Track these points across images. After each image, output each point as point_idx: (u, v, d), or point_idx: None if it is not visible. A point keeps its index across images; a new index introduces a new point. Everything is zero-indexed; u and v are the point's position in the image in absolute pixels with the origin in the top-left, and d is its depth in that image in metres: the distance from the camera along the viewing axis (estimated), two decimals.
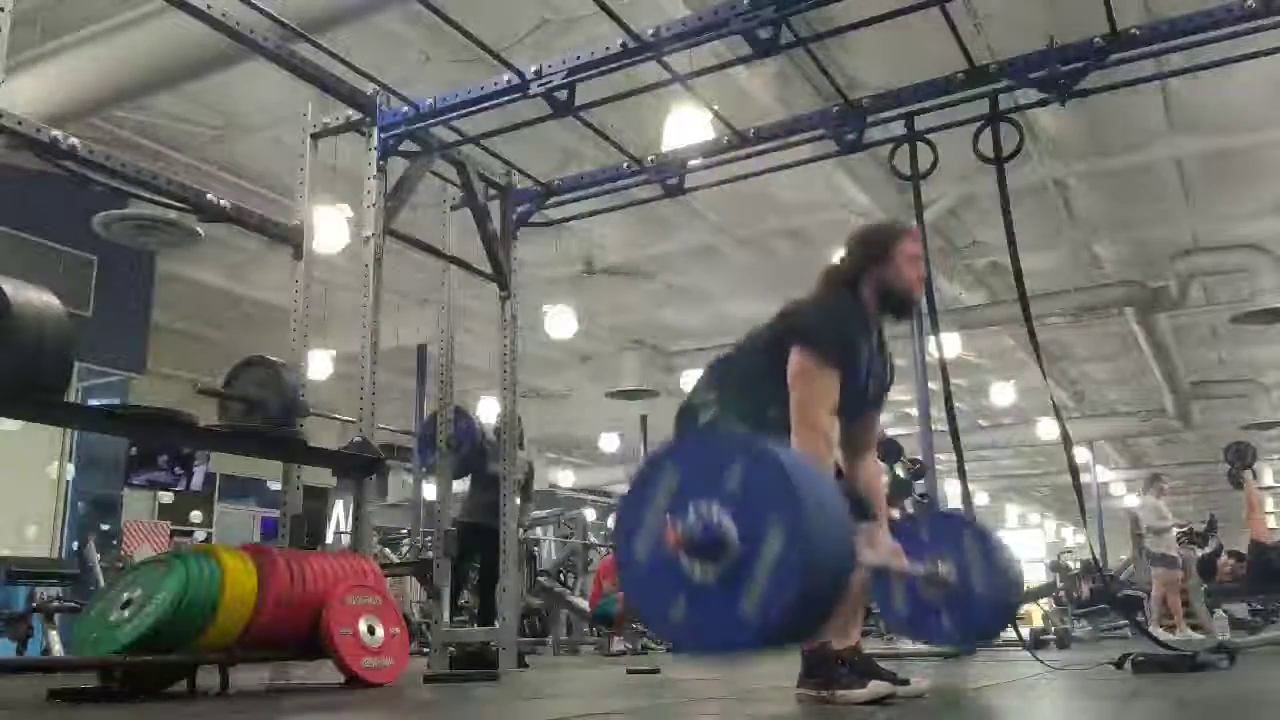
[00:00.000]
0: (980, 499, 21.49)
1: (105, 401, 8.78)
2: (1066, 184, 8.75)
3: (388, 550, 10.90)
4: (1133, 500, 11.38)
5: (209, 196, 4.65)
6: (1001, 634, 3.35)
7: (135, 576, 3.58)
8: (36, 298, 3.15)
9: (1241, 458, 8.64)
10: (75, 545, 8.25)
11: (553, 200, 5.83)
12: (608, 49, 4.43)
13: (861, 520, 2.75)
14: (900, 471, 8.55)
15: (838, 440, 2.72)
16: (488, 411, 10.49)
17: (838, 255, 2.99)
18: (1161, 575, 9.40)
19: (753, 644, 2.07)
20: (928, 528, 3.26)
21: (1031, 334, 4.47)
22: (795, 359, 2.66)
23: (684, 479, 2.17)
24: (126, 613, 3.38)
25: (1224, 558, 9.21)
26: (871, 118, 4.87)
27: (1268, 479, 21.13)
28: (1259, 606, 9.31)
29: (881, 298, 2.87)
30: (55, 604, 6.52)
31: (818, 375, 2.64)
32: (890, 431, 9.93)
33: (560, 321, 10.47)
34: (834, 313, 2.80)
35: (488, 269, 5.54)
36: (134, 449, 10.77)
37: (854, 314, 2.83)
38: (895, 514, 7.30)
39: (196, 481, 12.26)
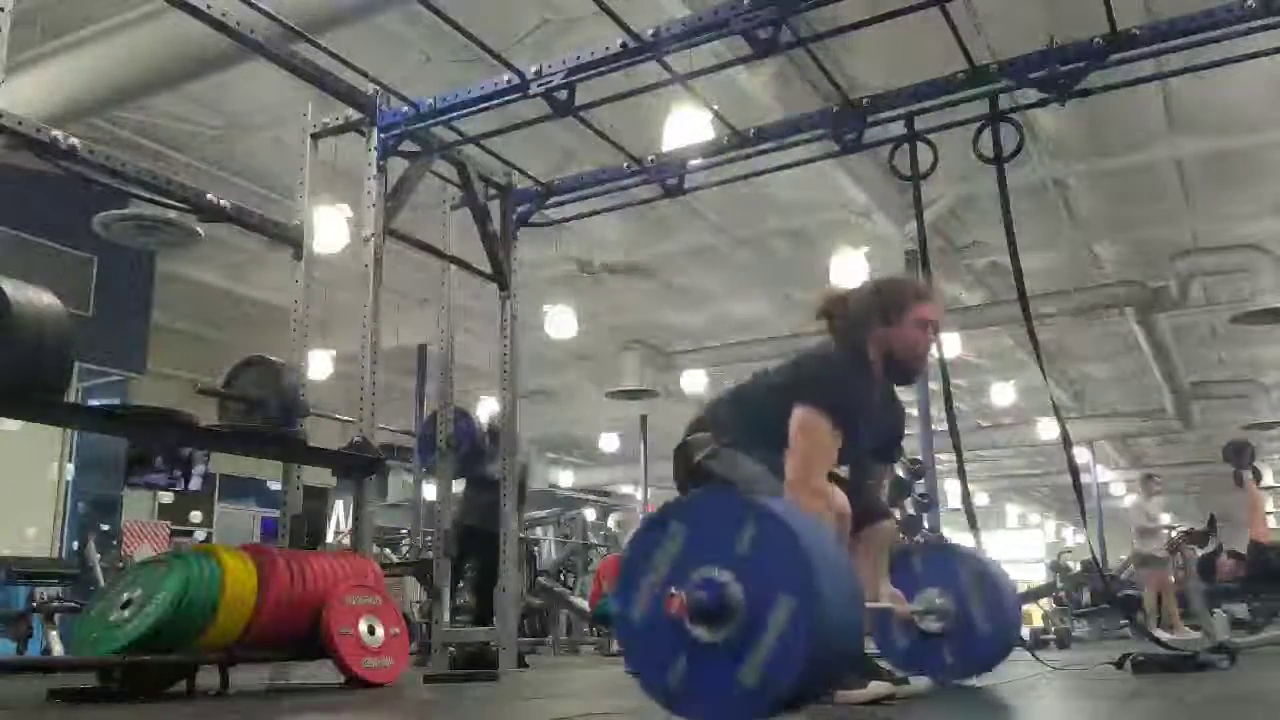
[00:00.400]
0: (980, 499, 21.49)
1: (105, 401, 8.77)
2: (1066, 184, 8.76)
3: (388, 550, 10.90)
4: (1132, 500, 11.39)
5: (209, 196, 4.64)
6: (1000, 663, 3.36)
7: (135, 576, 3.58)
8: (36, 298, 3.15)
9: (1240, 456, 8.60)
10: (75, 545, 8.25)
11: (553, 200, 5.82)
12: (608, 49, 4.43)
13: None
14: (900, 471, 8.54)
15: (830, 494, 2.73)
16: (487, 411, 10.49)
17: (852, 295, 2.91)
18: (1151, 577, 9.42)
19: (754, 711, 1.98)
20: (927, 562, 3.27)
21: (1031, 334, 4.47)
22: (799, 414, 2.67)
23: (689, 539, 2.10)
24: (126, 613, 3.38)
25: (1224, 558, 9.20)
26: (871, 118, 4.86)
27: (1268, 479, 21.15)
28: (1258, 605, 9.30)
29: (885, 362, 2.85)
30: (55, 604, 6.52)
31: (820, 434, 2.65)
32: None
33: (560, 321, 10.48)
34: (840, 374, 2.78)
35: (488, 269, 5.54)
36: (134, 448, 10.75)
37: (859, 374, 2.82)
38: (895, 514, 7.30)
39: (194, 482, 12.26)
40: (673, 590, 2.01)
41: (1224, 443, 9.27)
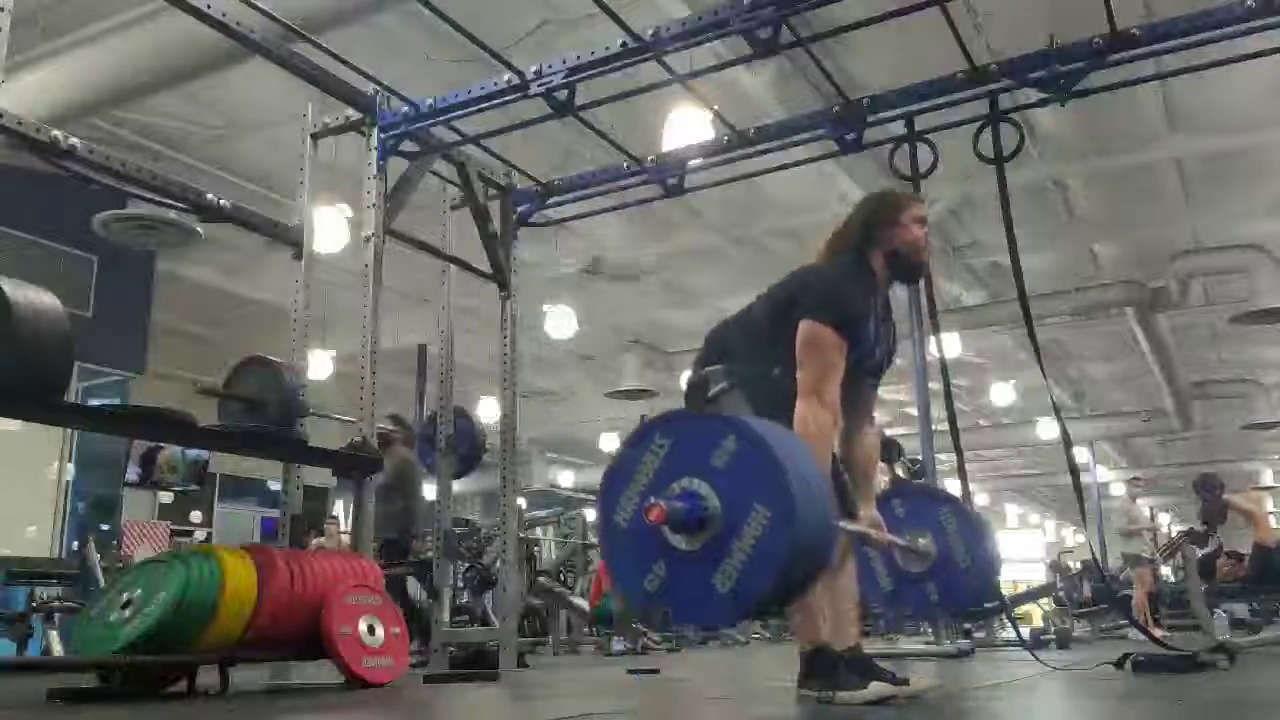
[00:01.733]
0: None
1: (105, 401, 8.78)
2: (1066, 184, 8.76)
3: None
4: (1136, 503, 11.44)
5: (209, 196, 4.64)
6: (983, 605, 3.38)
7: (135, 576, 3.58)
8: (36, 298, 3.15)
9: (1210, 488, 8.62)
10: (75, 545, 8.25)
11: (553, 200, 5.82)
12: (608, 49, 4.43)
13: (848, 509, 2.78)
14: (900, 471, 8.54)
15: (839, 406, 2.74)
16: (488, 411, 10.50)
17: (841, 232, 2.97)
18: (1137, 574, 9.45)
19: (726, 617, 2.13)
20: (908, 503, 3.30)
21: (1031, 334, 4.47)
22: (804, 329, 2.68)
23: (671, 452, 2.21)
24: (126, 613, 3.38)
25: (1224, 558, 9.21)
26: (871, 118, 4.86)
27: (1268, 479, 21.16)
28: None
29: (891, 263, 2.88)
30: (55, 604, 6.52)
31: (826, 347, 2.66)
32: (890, 431, 9.93)
33: (560, 321, 10.47)
34: (843, 281, 2.80)
35: (488, 269, 5.54)
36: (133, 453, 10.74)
37: (862, 282, 2.83)
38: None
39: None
40: (652, 499, 2.11)
41: (1224, 443, 9.28)
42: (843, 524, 2.58)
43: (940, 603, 3.22)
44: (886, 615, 7.94)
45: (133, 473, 9.57)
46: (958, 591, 3.18)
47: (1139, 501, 10.20)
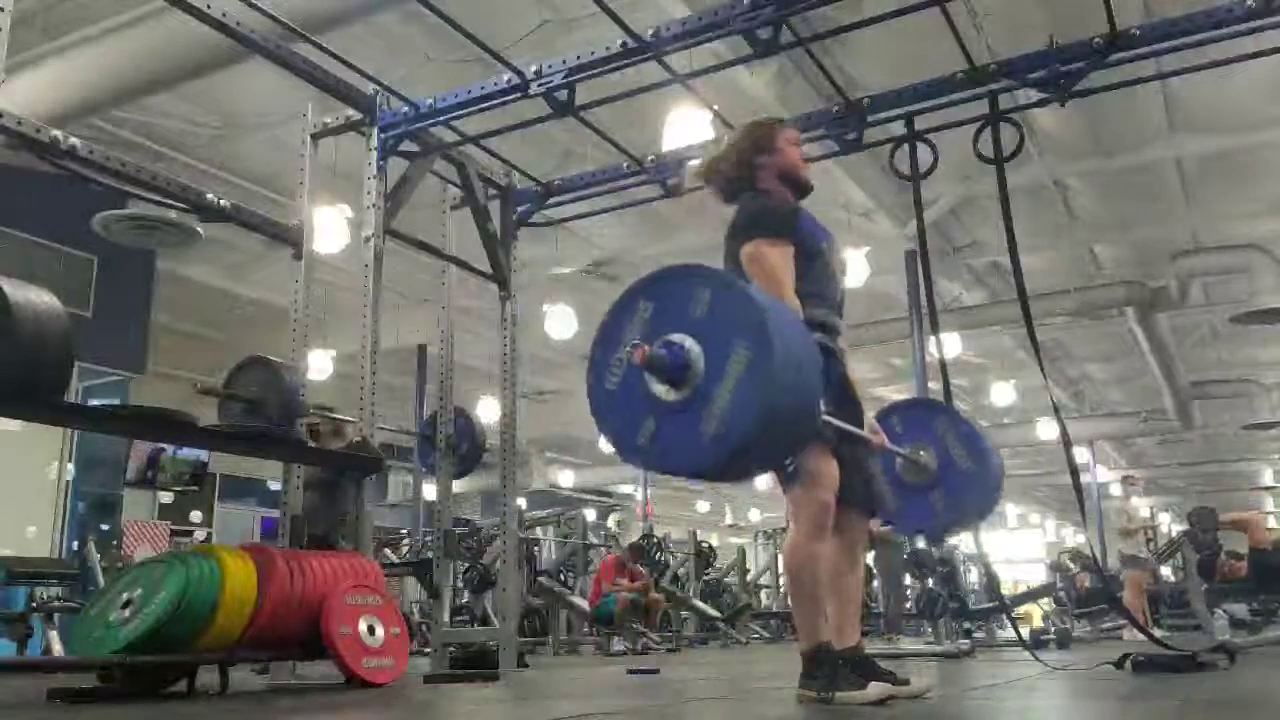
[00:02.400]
0: None
1: (105, 401, 8.77)
2: (1066, 184, 8.76)
3: (388, 550, 10.90)
4: (1132, 501, 11.44)
5: (209, 196, 4.65)
6: (988, 515, 3.37)
7: (135, 576, 3.58)
8: (36, 298, 3.15)
9: (1203, 522, 8.67)
10: (75, 545, 8.25)
11: (553, 200, 5.83)
12: (608, 49, 4.43)
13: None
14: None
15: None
16: (488, 411, 10.50)
17: (718, 159, 3.01)
18: (1130, 576, 9.46)
19: (716, 461, 2.19)
20: (906, 418, 3.32)
21: (1031, 334, 4.47)
22: (745, 251, 2.72)
23: (655, 310, 2.29)
24: (126, 613, 3.38)
25: (1224, 558, 9.21)
26: (871, 118, 4.87)
27: (1268, 479, 21.16)
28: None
29: (783, 182, 2.93)
30: (55, 604, 6.52)
31: (768, 252, 2.70)
32: None
33: (560, 321, 10.47)
34: (752, 203, 2.86)
35: (488, 269, 5.55)
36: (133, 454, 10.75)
37: (768, 196, 2.88)
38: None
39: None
40: (636, 341, 2.22)
41: (1224, 443, 9.30)
42: (835, 421, 2.59)
43: (946, 512, 3.22)
44: (917, 602, 7.92)
45: (133, 471, 9.59)
46: (964, 499, 3.19)
47: (1134, 500, 10.20)
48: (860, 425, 2.80)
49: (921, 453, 3.17)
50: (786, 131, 3.03)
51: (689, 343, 2.20)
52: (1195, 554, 8.69)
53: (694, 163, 3.12)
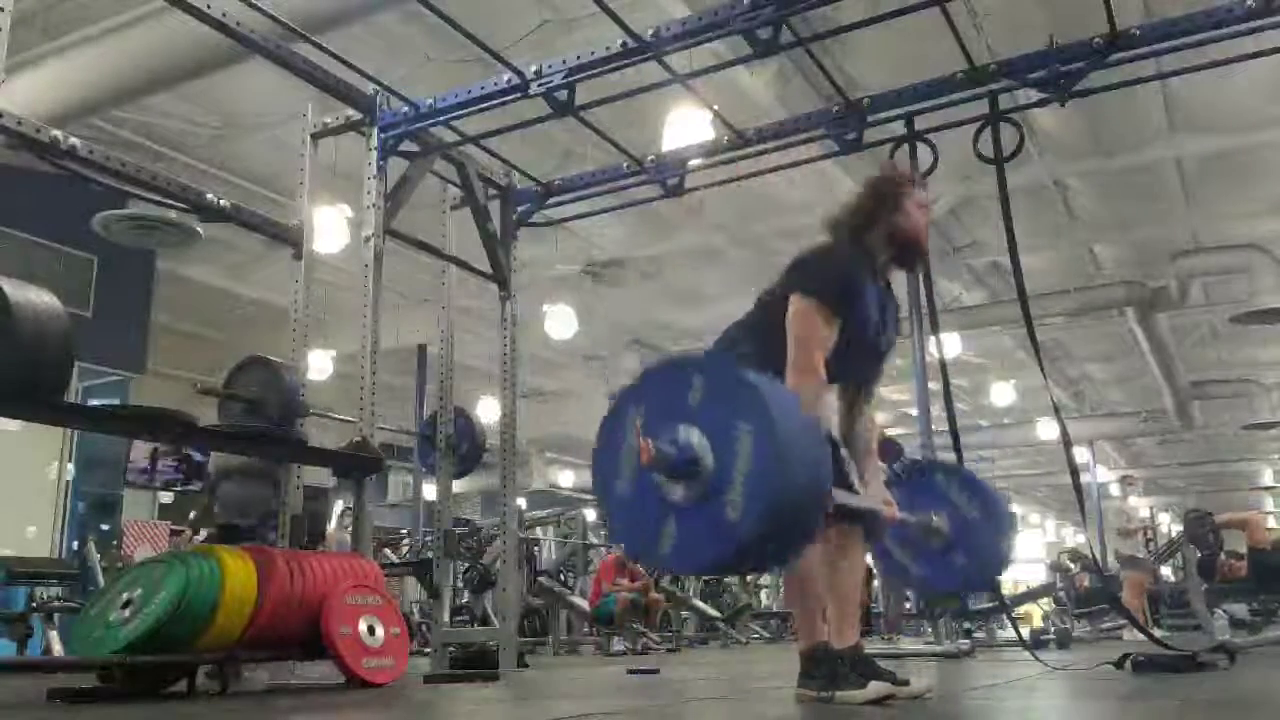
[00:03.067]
0: None
1: (105, 401, 8.77)
2: (1066, 184, 8.75)
3: (388, 550, 10.90)
4: (1132, 501, 11.45)
5: (209, 196, 4.64)
6: (1009, 561, 3.38)
7: (135, 576, 3.58)
8: (36, 298, 3.15)
9: (1203, 525, 8.65)
10: (75, 545, 8.24)
11: (553, 200, 5.83)
12: (608, 49, 4.43)
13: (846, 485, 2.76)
14: (901, 472, 8.53)
15: (836, 394, 2.75)
16: (488, 411, 10.49)
17: (843, 204, 2.97)
18: (1130, 577, 9.45)
19: (742, 546, 2.13)
20: (922, 480, 3.31)
21: (1031, 334, 4.47)
22: (792, 303, 2.69)
23: (649, 409, 2.25)
24: (126, 613, 3.38)
25: (1223, 557, 9.21)
26: (871, 118, 4.87)
27: (1268, 479, 21.14)
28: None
29: (891, 246, 2.88)
30: (55, 604, 6.52)
31: (813, 317, 2.66)
32: (890, 431, 9.93)
33: (560, 321, 10.47)
34: (835, 259, 2.81)
35: (488, 269, 5.54)
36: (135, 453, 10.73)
37: (857, 260, 2.83)
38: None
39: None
40: (643, 439, 2.17)
41: (1224, 443, 9.29)
42: (842, 497, 2.54)
43: (971, 566, 3.20)
44: (917, 602, 7.95)
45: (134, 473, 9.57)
46: (983, 550, 3.18)
47: (1132, 500, 10.21)
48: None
49: (934, 518, 3.13)
50: (917, 193, 2.94)
51: (691, 432, 2.15)
52: (1195, 554, 8.70)
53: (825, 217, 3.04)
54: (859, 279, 2.78)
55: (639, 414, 2.25)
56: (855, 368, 2.84)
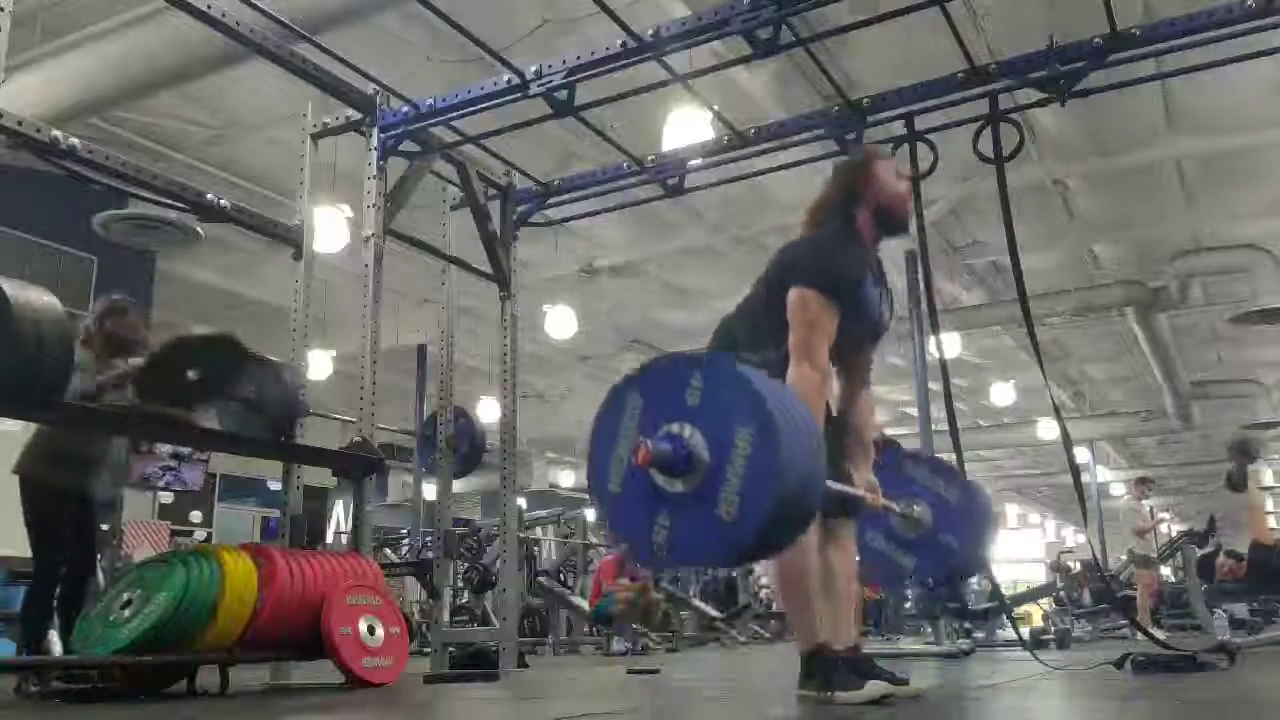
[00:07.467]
0: None
1: None
2: (1066, 184, 8.75)
3: (388, 550, 10.90)
4: (1126, 502, 11.47)
5: (209, 196, 4.65)
6: (976, 574, 3.43)
7: (135, 576, 3.58)
8: (36, 298, 3.15)
9: (1246, 452, 8.52)
10: None
11: (553, 200, 5.83)
12: (608, 49, 4.43)
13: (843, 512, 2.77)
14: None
15: (835, 375, 2.75)
16: (488, 411, 10.49)
17: (820, 204, 2.97)
18: (1142, 576, 9.45)
19: (737, 546, 2.14)
20: (903, 470, 3.33)
21: (1031, 334, 4.47)
22: (793, 295, 2.68)
23: (646, 406, 2.24)
24: (126, 613, 3.38)
25: (1223, 557, 9.20)
26: (871, 118, 4.87)
27: (1268, 479, 21.14)
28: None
29: (877, 219, 2.88)
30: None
31: (817, 311, 2.66)
32: (890, 431, 9.94)
33: (560, 321, 10.47)
34: (831, 246, 2.80)
35: (488, 269, 5.55)
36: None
37: (852, 243, 2.83)
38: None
39: (195, 481, 12.24)
40: (639, 440, 2.16)
41: (1226, 441, 9.23)
42: (834, 485, 2.56)
43: (960, 548, 3.24)
44: (917, 602, 7.96)
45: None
46: (967, 528, 3.23)
47: (1142, 502, 10.21)
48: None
49: (915, 507, 3.18)
50: (888, 161, 2.96)
51: (689, 431, 2.15)
52: (1195, 554, 8.69)
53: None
54: (858, 265, 2.79)
55: (636, 409, 2.25)
56: (855, 351, 2.85)
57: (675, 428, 2.15)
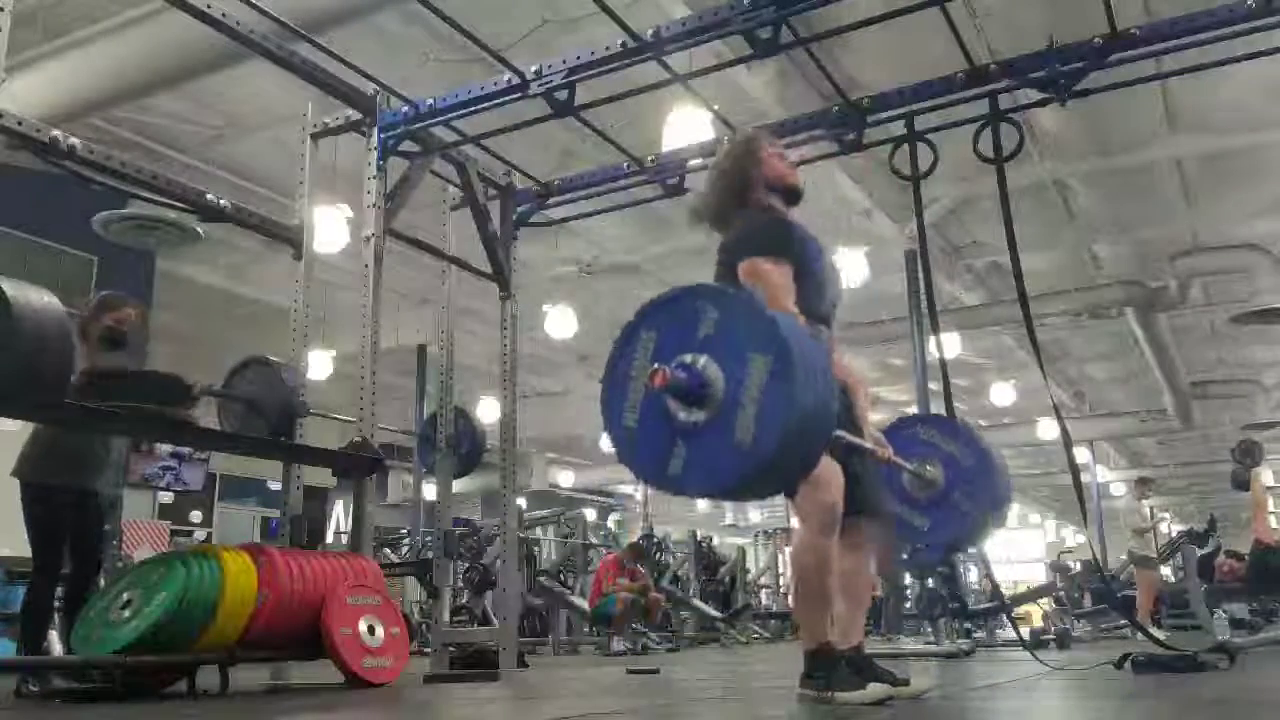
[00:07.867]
0: None
1: None
2: (1066, 184, 8.75)
3: (388, 550, 10.90)
4: (1125, 502, 11.47)
5: (209, 196, 4.65)
6: (990, 535, 3.38)
7: (135, 576, 3.58)
8: (36, 298, 3.15)
9: (1250, 455, 8.59)
10: None
11: (553, 200, 5.83)
12: (608, 49, 4.43)
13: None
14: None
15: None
16: (488, 411, 10.50)
17: (708, 193, 3.02)
18: (1143, 576, 9.45)
19: (756, 470, 2.13)
20: (898, 438, 3.30)
21: (1031, 334, 4.47)
22: (743, 268, 2.72)
23: (661, 336, 2.25)
24: (126, 613, 3.38)
25: (1223, 557, 9.20)
26: (871, 118, 4.87)
27: (1268, 479, 21.15)
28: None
29: (774, 198, 2.93)
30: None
31: (770, 270, 2.69)
32: None
33: (560, 321, 10.47)
34: (755, 221, 2.85)
35: (488, 269, 5.54)
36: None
37: (772, 211, 2.89)
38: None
39: (196, 481, 12.24)
40: (655, 365, 2.17)
41: (1224, 443, 9.26)
42: (843, 435, 2.57)
43: (972, 508, 3.21)
44: (917, 602, 7.95)
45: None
46: (985, 494, 3.21)
47: (1142, 502, 10.21)
48: (859, 434, 2.80)
49: (929, 466, 3.18)
50: (765, 143, 3.01)
51: (704, 360, 2.16)
52: (1195, 554, 8.68)
53: (690, 203, 3.08)
54: (784, 219, 2.86)
55: (650, 340, 2.26)
56: (815, 302, 2.84)
57: (689, 358, 2.17)
